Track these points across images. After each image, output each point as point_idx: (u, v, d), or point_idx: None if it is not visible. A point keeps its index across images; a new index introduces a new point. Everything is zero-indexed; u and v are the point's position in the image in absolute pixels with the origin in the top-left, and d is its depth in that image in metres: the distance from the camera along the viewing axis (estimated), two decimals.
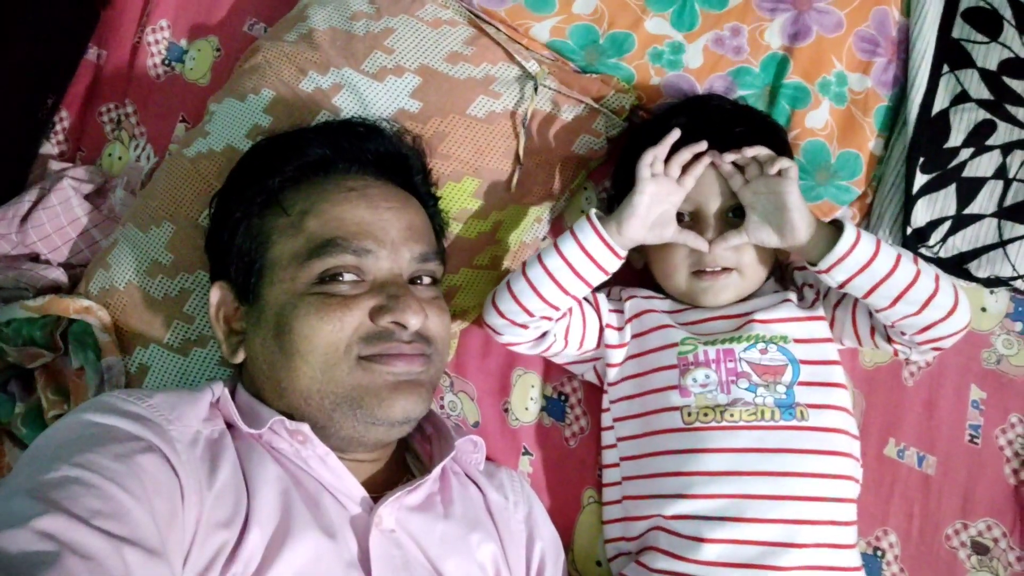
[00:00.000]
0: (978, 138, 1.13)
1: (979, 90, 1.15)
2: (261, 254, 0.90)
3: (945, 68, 1.16)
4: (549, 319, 1.02)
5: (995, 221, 1.13)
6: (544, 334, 1.05)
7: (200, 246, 1.03)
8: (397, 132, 1.04)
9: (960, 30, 1.17)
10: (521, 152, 1.14)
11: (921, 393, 1.14)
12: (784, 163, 0.96)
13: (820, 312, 1.04)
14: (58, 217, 1.19)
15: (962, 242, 1.13)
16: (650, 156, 0.99)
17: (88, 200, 1.22)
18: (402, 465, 0.98)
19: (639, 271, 1.13)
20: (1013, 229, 1.11)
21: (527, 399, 1.18)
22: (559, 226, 1.22)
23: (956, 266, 1.14)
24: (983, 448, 1.12)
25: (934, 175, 1.14)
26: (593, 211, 1.00)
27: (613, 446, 1.07)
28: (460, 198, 1.13)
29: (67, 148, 1.35)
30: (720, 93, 1.17)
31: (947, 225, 1.14)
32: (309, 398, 0.85)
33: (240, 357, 0.91)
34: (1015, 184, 1.12)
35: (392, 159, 0.99)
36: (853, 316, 1.02)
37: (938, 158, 1.14)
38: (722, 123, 1.04)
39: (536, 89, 1.15)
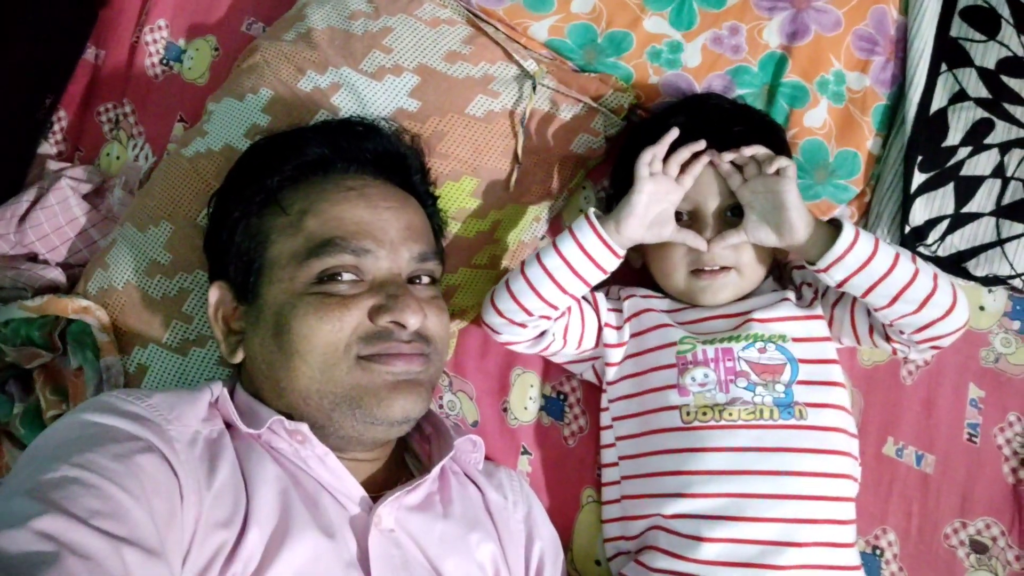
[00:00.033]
0: (976, 137, 1.14)
1: (977, 89, 1.15)
2: (260, 253, 0.90)
3: (943, 67, 1.16)
4: (548, 318, 1.02)
5: (993, 220, 1.13)
6: (543, 333, 1.05)
7: (199, 246, 1.03)
8: (396, 131, 1.04)
9: (958, 29, 1.17)
10: (520, 151, 1.14)
11: (919, 392, 1.14)
12: (782, 162, 0.96)
13: (818, 311, 1.04)
14: (56, 217, 1.19)
15: (960, 241, 1.14)
16: (649, 155, 0.99)
17: (86, 200, 1.22)
18: (401, 465, 0.98)
19: (638, 270, 1.13)
20: (1011, 228, 1.11)
21: (526, 398, 1.18)
22: (558, 225, 1.22)
23: (954, 265, 1.14)
24: (981, 447, 1.12)
25: (932, 174, 1.14)
26: (592, 210, 1.00)
27: (612, 445, 1.07)
28: (459, 197, 1.12)
29: (65, 148, 1.35)
30: (718, 92, 1.17)
31: (945, 224, 1.14)
32: (308, 398, 0.85)
33: (239, 357, 0.91)
34: (1013, 183, 1.12)
35: (391, 158, 0.99)
36: (852, 315, 1.03)
37: (936, 157, 1.14)
38: (721, 122, 1.04)
39: (534, 88, 1.15)
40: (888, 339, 1.01)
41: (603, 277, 1.00)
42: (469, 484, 1.00)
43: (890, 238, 1.16)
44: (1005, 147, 1.13)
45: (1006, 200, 1.12)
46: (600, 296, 1.09)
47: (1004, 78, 1.14)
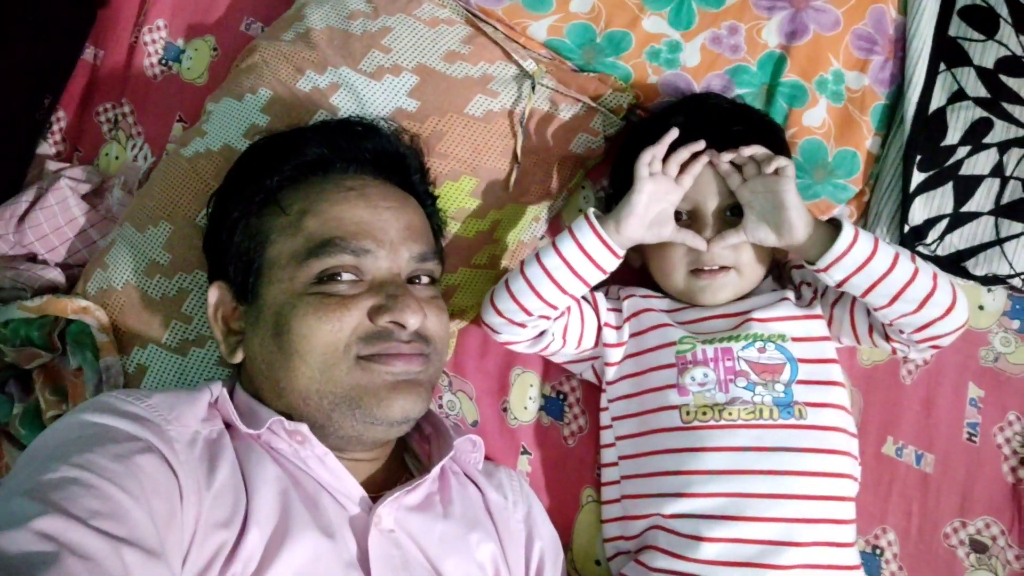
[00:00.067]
0: (975, 136, 1.14)
1: (976, 88, 1.15)
2: (259, 253, 0.90)
3: (942, 66, 1.16)
4: (547, 318, 1.02)
5: (992, 219, 1.13)
6: (542, 333, 1.05)
7: (198, 246, 1.03)
8: (395, 131, 1.04)
9: (957, 28, 1.17)
10: (519, 151, 1.14)
11: (919, 391, 1.14)
12: (781, 162, 0.96)
13: (818, 310, 1.04)
14: (55, 217, 1.18)
15: (959, 240, 1.14)
16: (648, 155, 0.99)
17: (85, 200, 1.22)
18: (401, 465, 0.98)
19: (637, 270, 1.13)
20: (1010, 227, 1.11)
21: (526, 398, 1.18)
22: (557, 225, 1.22)
23: (953, 264, 1.14)
24: (981, 446, 1.12)
25: (931, 173, 1.14)
26: (591, 210, 1.00)
27: (612, 445, 1.07)
28: (458, 197, 1.12)
29: (64, 148, 1.35)
30: (717, 92, 1.17)
31: (944, 223, 1.14)
32: (308, 398, 0.85)
33: (238, 357, 0.91)
34: (1012, 182, 1.12)
35: (390, 158, 0.99)
36: (851, 314, 1.03)
37: (935, 156, 1.14)
38: (720, 122, 1.04)
39: (534, 88, 1.15)
40: (888, 338, 1.01)
41: (603, 277, 1.00)
42: (469, 484, 1.00)
43: (889, 237, 1.16)
44: (1004, 146, 1.13)
45: (1005, 199, 1.12)
46: (599, 296, 1.09)
47: (1003, 77, 1.14)
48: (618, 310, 1.08)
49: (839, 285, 0.96)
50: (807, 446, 0.95)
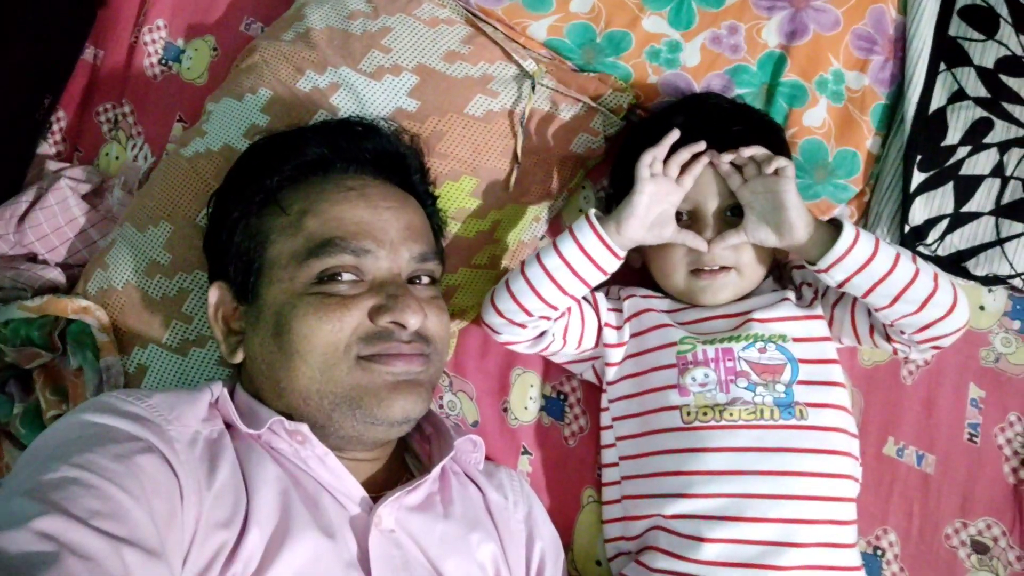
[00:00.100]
0: (975, 136, 1.14)
1: (976, 88, 1.15)
2: (260, 253, 0.90)
3: (942, 66, 1.16)
4: (548, 318, 1.02)
5: (992, 219, 1.13)
6: (543, 333, 1.04)
7: (198, 246, 1.03)
8: (395, 131, 1.04)
9: (957, 28, 1.17)
10: (519, 151, 1.14)
11: (920, 392, 1.14)
12: (781, 162, 0.96)
13: (819, 311, 1.04)
14: (55, 217, 1.18)
15: (960, 240, 1.14)
16: (649, 156, 0.99)
17: (86, 200, 1.21)
18: (401, 465, 0.98)
19: (638, 270, 1.13)
20: (1011, 227, 1.11)
21: (526, 398, 1.17)
22: (557, 225, 1.22)
23: (954, 264, 1.14)
24: (982, 447, 1.12)
25: (931, 173, 1.14)
26: (592, 211, 1.00)
27: (612, 445, 1.07)
28: (458, 197, 1.12)
29: (64, 148, 1.35)
30: (717, 91, 1.17)
31: (945, 223, 1.14)
32: (308, 398, 0.85)
33: (239, 357, 0.91)
34: (1012, 182, 1.12)
35: (390, 158, 0.99)
36: (852, 315, 1.02)
37: (935, 156, 1.14)
38: (720, 122, 1.04)
39: (534, 88, 1.15)
40: (889, 339, 1.01)
41: (603, 278, 1.00)
42: (469, 484, 1.00)
43: (890, 237, 1.16)
44: (1004, 146, 1.13)
45: (1005, 199, 1.12)
46: (600, 296, 1.09)
47: (1003, 77, 1.14)
48: (619, 310, 1.08)
49: (840, 286, 0.96)
50: (808, 447, 0.95)
